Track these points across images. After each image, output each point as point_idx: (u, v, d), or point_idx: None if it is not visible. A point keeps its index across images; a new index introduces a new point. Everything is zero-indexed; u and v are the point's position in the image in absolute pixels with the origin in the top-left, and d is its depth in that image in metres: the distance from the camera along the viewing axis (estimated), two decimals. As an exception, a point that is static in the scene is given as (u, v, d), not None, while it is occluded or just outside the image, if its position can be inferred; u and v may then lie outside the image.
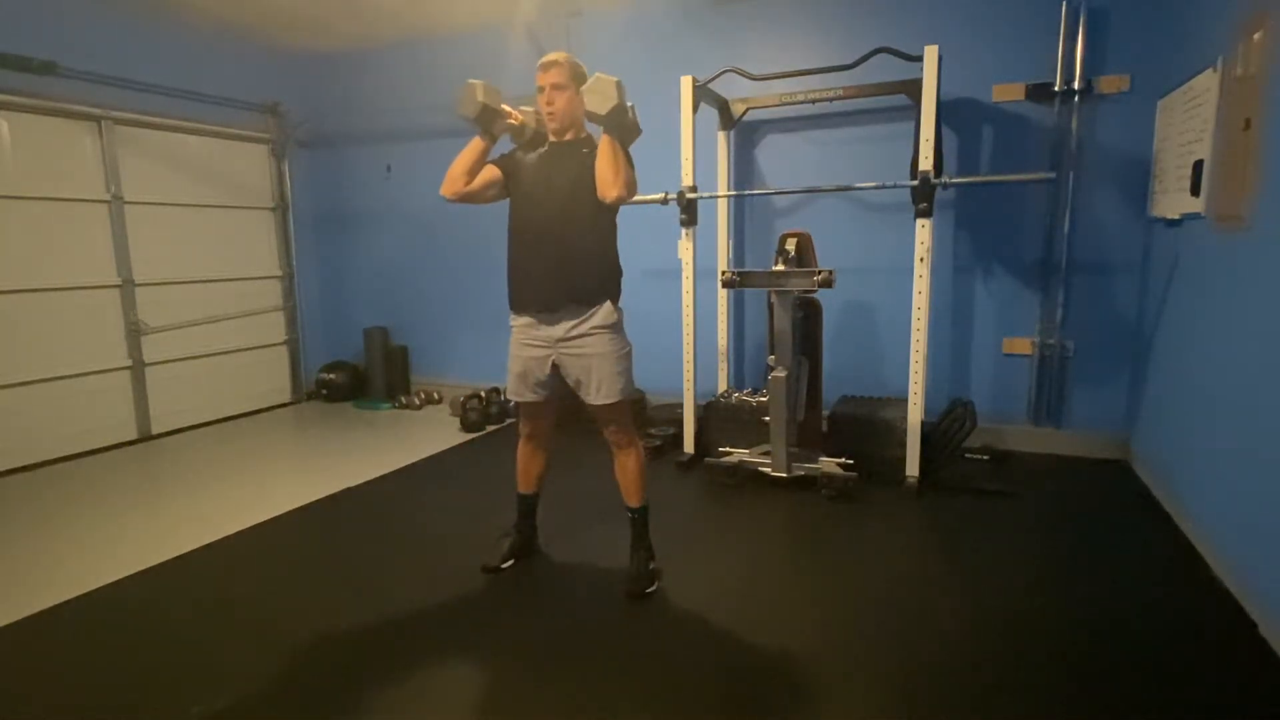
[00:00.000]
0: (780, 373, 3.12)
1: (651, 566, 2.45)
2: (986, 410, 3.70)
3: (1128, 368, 3.58)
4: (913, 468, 3.27)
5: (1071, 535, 2.82)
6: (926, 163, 3.11)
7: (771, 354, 3.21)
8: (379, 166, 5.32)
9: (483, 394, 4.73)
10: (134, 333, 4.37)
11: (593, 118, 2.14)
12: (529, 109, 2.41)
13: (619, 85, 2.06)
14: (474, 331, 5.17)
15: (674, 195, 3.57)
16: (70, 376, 4.09)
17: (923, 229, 3.15)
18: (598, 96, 2.08)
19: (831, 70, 3.49)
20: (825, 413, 3.62)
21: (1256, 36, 2.28)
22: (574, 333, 2.28)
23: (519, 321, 2.38)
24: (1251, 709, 1.76)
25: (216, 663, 2.04)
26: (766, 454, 3.31)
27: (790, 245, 3.15)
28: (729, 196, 4.07)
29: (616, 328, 2.32)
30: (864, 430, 3.47)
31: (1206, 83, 2.69)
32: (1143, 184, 3.43)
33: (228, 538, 2.90)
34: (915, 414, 3.24)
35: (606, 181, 2.14)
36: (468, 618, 2.28)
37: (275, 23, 4.59)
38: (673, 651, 2.07)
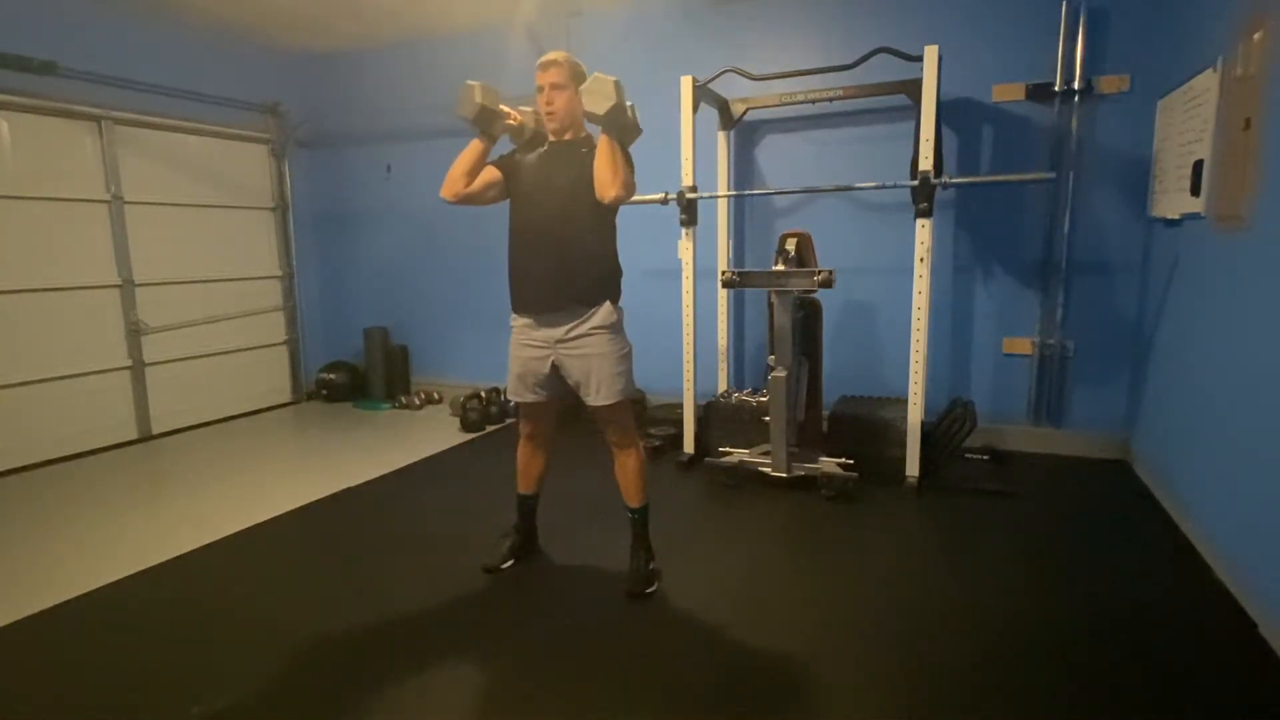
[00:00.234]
0: (780, 373, 3.12)
1: (651, 567, 2.45)
2: (986, 410, 3.70)
3: (1128, 368, 3.58)
4: (913, 468, 3.27)
5: (1071, 535, 2.82)
6: (926, 163, 3.11)
7: (771, 354, 3.21)
8: (379, 166, 5.32)
9: (483, 394, 4.72)
10: (134, 333, 4.37)
11: (591, 118, 2.14)
12: (528, 109, 2.41)
13: (618, 85, 2.06)
14: (474, 331, 5.17)
15: (674, 195, 3.56)
16: (70, 376, 4.09)
17: (923, 229, 3.15)
18: (596, 96, 2.07)
19: (831, 70, 3.49)
20: (825, 413, 3.62)
21: (1256, 36, 2.28)
22: (573, 333, 2.28)
23: (519, 322, 2.38)
24: (1251, 709, 1.76)
25: (216, 663, 2.04)
26: (766, 454, 3.31)
27: (790, 245, 3.15)
28: (729, 196, 4.07)
29: (616, 328, 2.32)
30: (864, 430, 3.47)
31: (1206, 83, 2.69)
32: (1143, 184, 3.43)
33: (228, 538, 2.90)
34: (915, 414, 3.24)
35: (605, 182, 2.13)
36: (468, 618, 2.28)
37: (275, 23, 4.59)
38: (673, 651, 2.07)
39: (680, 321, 3.67)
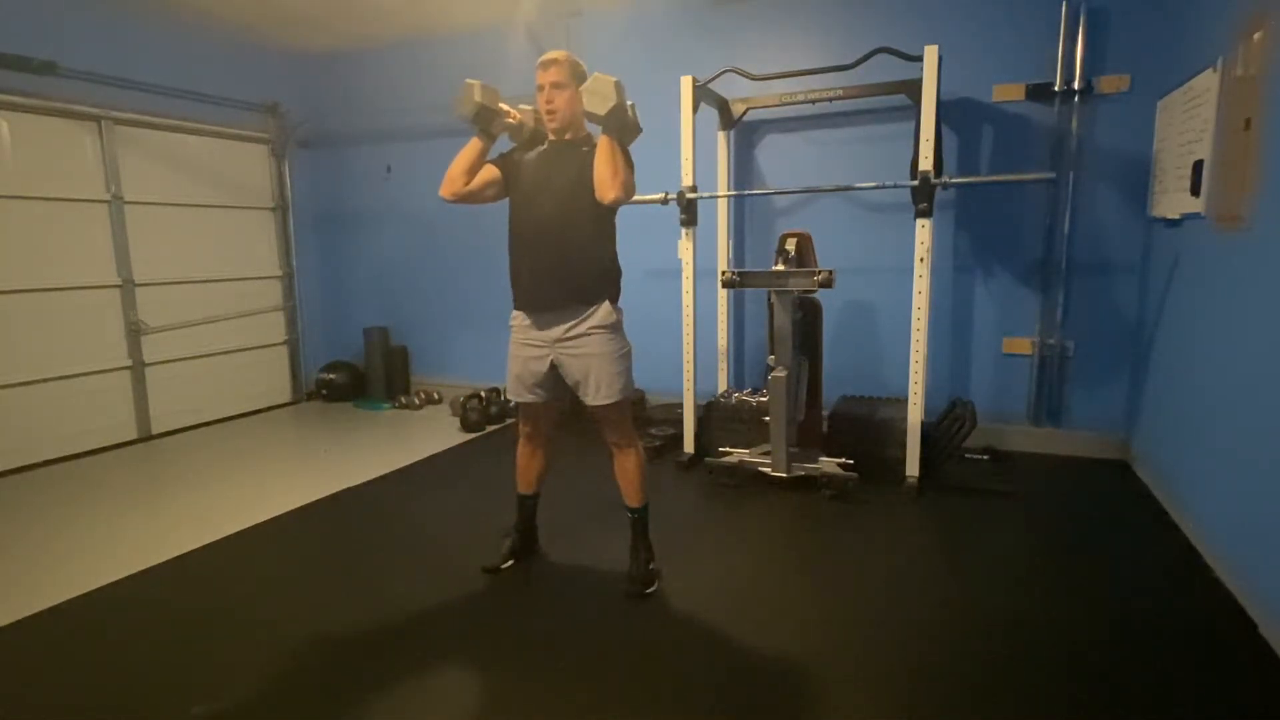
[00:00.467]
0: (780, 373, 3.12)
1: (651, 567, 2.45)
2: (986, 410, 3.70)
3: (1128, 368, 3.58)
4: (913, 468, 3.27)
5: (1071, 535, 2.82)
6: (926, 163, 3.11)
7: (771, 354, 3.21)
8: (379, 166, 5.32)
9: (483, 394, 4.73)
10: (134, 333, 4.37)
11: (592, 118, 2.14)
12: (528, 108, 2.41)
13: (618, 85, 2.06)
14: (474, 331, 5.17)
15: (674, 195, 3.56)
16: (70, 376, 4.09)
17: (923, 229, 3.14)
18: (596, 96, 2.07)
19: (831, 70, 3.49)
20: (825, 413, 3.62)
21: (1256, 36, 2.28)
22: (572, 333, 2.28)
23: (518, 321, 2.38)
24: (1251, 709, 1.76)
25: (216, 663, 2.04)
26: (766, 454, 3.31)
27: (790, 245, 3.16)
28: (729, 196, 4.07)
29: (616, 328, 2.32)
30: (864, 430, 3.47)
31: (1206, 83, 2.69)
32: (1143, 184, 3.43)
33: (228, 538, 2.90)
34: (915, 414, 3.24)
35: (604, 183, 2.13)
36: (468, 618, 2.28)
37: (275, 22, 4.59)
38: (673, 652, 2.07)
39: (680, 321, 3.67)
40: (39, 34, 3.85)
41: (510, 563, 2.58)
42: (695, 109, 3.55)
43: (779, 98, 3.73)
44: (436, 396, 5.25)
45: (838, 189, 3.79)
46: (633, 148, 2.23)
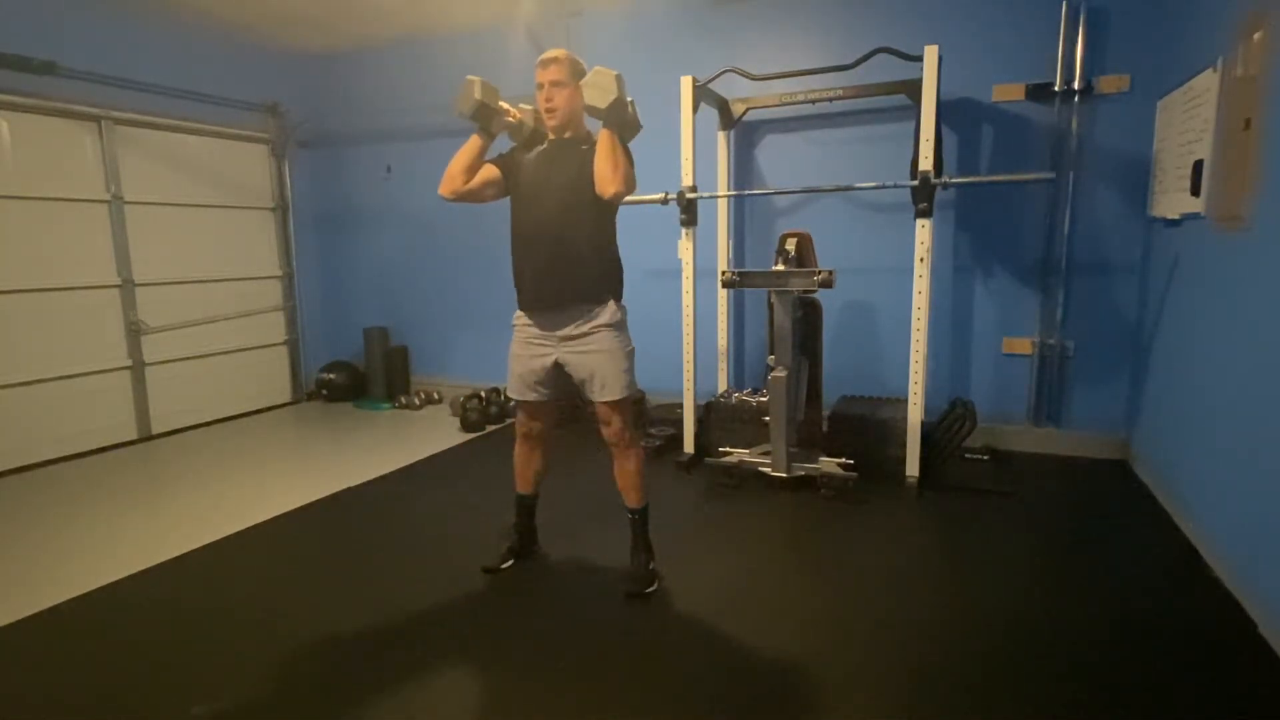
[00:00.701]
0: (780, 373, 3.12)
1: (651, 566, 2.45)
2: (986, 410, 3.70)
3: (1128, 368, 3.58)
4: (913, 468, 3.27)
5: (1071, 535, 2.82)
6: (926, 163, 3.11)
7: (771, 354, 3.21)
8: (379, 166, 5.32)
9: (483, 394, 4.73)
10: (134, 333, 4.37)
11: (593, 112, 2.13)
12: (528, 107, 2.41)
13: (619, 79, 2.06)
14: (474, 331, 5.17)
15: (674, 195, 3.56)
16: (70, 376, 4.09)
17: (923, 229, 3.14)
18: (597, 90, 2.07)
19: (831, 70, 3.49)
20: (825, 413, 3.62)
21: (1256, 36, 2.28)
22: (579, 331, 2.28)
23: (521, 320, 2.38)
24: (1251, 709, 1.76)
25: (216, 663, 2.04)
26: (766, 454, 3.30)
27: (790, 245, 3.15)
28: (729, 196, 4.06)
29: (621, 325, 2.33)
30: (864, 430, 3.47)
31: (1206, 83, 2.69)
32: (1143, 184, 3.43)
33: (228, 538, 2.90)
34: (915, 414, 3.24)
35: (605, 177, 2.13)
36: (468, 618, 2.28)
37: (275, 22, 4.59)
38: (673, 651, 2.07)
39: (680, 321, 3.67)
40: (39, 34, 3.85)
41: (510, 563, 2.58)
42: (695, 109, 3.55)
43: (779, 98, 3.73)
44: (436, 396, 5.25)
45: (838, 189, 3.79)
46: (632, 146, 2.24)
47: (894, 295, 3.78)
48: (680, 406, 3.80)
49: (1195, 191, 2.73)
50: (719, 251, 4.10)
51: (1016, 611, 2.23)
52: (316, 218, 5.53)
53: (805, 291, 3.16)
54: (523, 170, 2.34)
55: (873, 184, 3.48)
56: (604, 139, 2.14)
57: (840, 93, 3.57)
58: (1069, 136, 3.50)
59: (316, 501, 3.30)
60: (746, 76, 3.62)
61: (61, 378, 4.05)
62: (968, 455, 3.64)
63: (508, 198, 2.38)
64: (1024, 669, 1.93)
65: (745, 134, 4.18)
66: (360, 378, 5.40)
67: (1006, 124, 3.64)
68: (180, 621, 2.28)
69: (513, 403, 2.50)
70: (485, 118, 2.27)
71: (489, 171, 2.33)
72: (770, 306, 3.20)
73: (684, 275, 3.62)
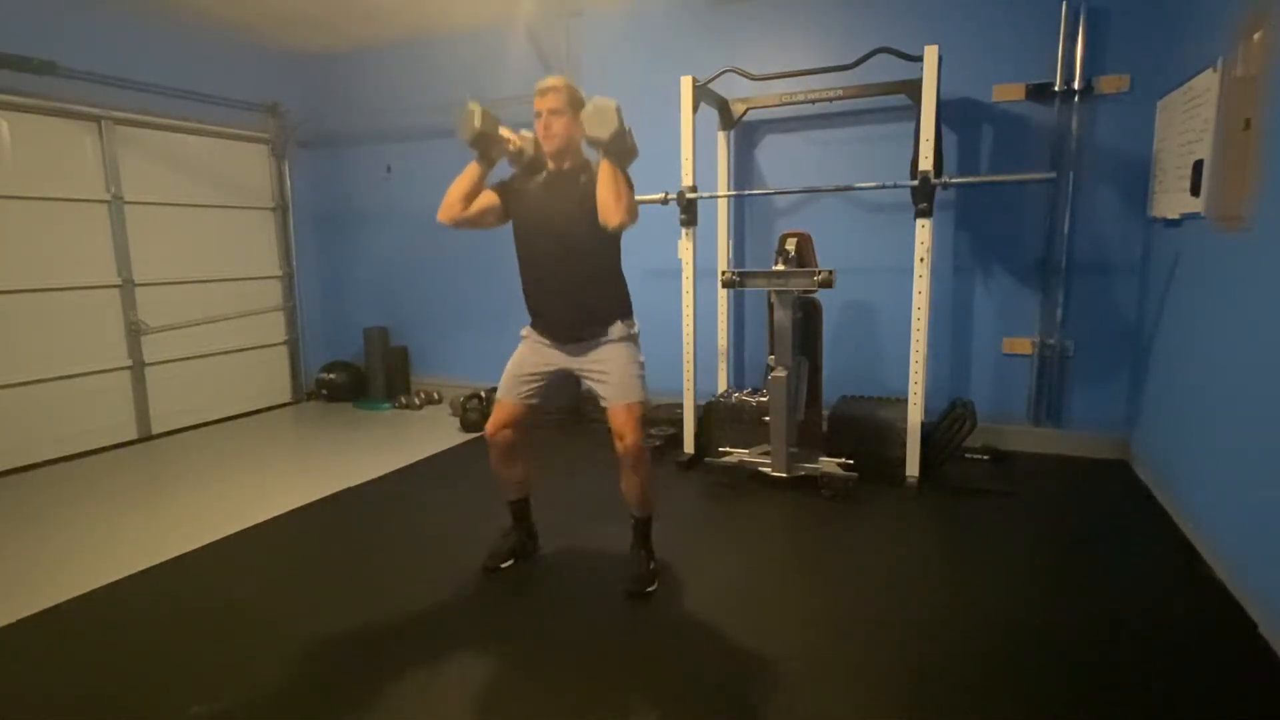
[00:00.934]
0: (780, 373, 3.12)
1: (652, 566, 2.45)
2: (986, 410, 3.70)
3: (1128, 368, 3.58)
4: (913, 468, 3.27)
5: (1071, 535, 2.82)
6: (926, 163, 3.11)
7: (771, 354, 3.21)
8: (379, 166, 5.32)
9: (483, 394, 4.72)
10: (134, 333, 4.37)
11: (594, 143, 2.12)
12: (528, 134, 2.38)
13: (618, 110, 2.05)
14: (474, 331, 5.17)
15: (674, 195, 3.56)
16: (70, 376, 4.09)
17: (923, 229, 3.14)
18: (598, 122, 2.06)
19: (831, 70, 3.49)
20: (825, 413, 3.62)
21: (1256, 36, 2.28)
22: (592, 352, 2.32)
23: (534, 336, 2.41)
24: (1251, 709, 1.76)
25: (216, 663, 2.04)
26: (766, 454, 3.31)
27: (790, 245, 3.15)
28: (729, 196, 4.06)
29: (633, 339, 2.36)
30: (864, 430, 3.47)
31: (1206, 83, 2.69)
32: (1143, 184, 3.43)
33: (228, 538, 2.90)
34: (915, 414, 3.24)
35: (609, 208, 2.11)
36: (468, 618, 2.28)
37: (275, 23, 4.59)
38: (673, 651, 2.07)
39: (680, 321, 3.67)
40: (39, 34, 3.85)
41: (510, 563, 2.58)
42: (695, 109, 3.55)
43: (779, 98, 3.73)
44: (436, 396, 5.25)
45: (838, 189, 3.79)
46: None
47: (894, 295, 3.78)
48: (680, 406, 3.80)
49: (1195, 191, 2.73)
50: (719, 251, 4.09)
51: (1016, 611, 2.23)
52: (316, 218, 5.53)
53: (805, 291, 3.16)
54: (525, 200, 2.34)
55: (873, 184, 3.48)
56: (605, 170, 2.13)
57: (840, 93, 3.57)
58: (1069, 136, 3.50)
59: (316, 501, 3.30)
60: (746, 76, 3.62)
61: (61, 378, 4.05)
62: (968, 455, 3.64)
63: (509, 223, 2.38)
64: (1024, 669, 1.93)
65: (745, 134, 4.18)
66: (360, 378, 5.40)
67: (1006, 124, 3.64)
68: (180, 621, 2.28)
69: (498, 399, 2.45)
70: (485, 146, 2.27)
71: (489, 198, 2.33)
72: (770, 306, 3.20)
73: (684, 275, 3.62)
